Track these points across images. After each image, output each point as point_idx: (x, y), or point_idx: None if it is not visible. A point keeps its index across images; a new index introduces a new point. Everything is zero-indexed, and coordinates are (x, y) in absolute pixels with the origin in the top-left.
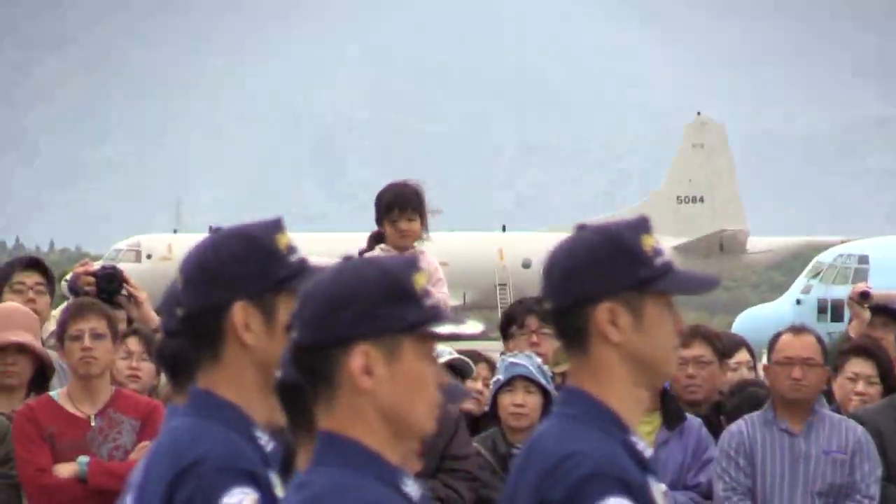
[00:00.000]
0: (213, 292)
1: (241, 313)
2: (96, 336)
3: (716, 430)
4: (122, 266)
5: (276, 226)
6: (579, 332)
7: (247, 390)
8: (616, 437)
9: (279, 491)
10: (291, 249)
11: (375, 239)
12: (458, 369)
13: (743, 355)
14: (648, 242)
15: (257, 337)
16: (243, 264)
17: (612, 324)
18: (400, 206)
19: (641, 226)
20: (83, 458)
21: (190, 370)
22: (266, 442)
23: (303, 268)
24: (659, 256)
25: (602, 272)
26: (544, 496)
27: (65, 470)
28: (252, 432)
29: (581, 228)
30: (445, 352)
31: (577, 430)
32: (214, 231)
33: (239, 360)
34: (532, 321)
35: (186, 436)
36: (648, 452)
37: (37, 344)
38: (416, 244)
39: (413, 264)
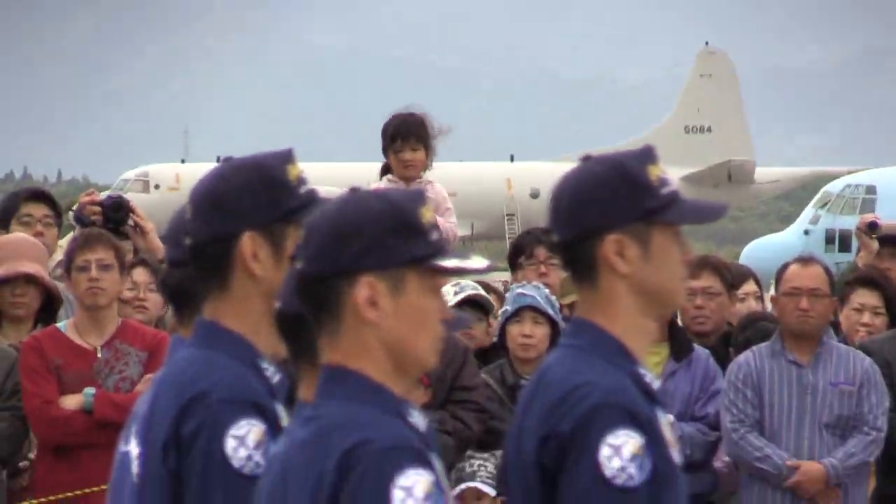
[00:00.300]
0: (222, 222)
1: (249, 243)
2: (103, 267)
3: (724, 362)
4: (129, 196)
5: (286, 156)
6: (587, 263)
7: (253, 321)
8: (624, 368)
9: (285, 422)
10: (301, 180)
11: (384, 170)
12: (479, 304)
13: (750, 286)
14: (654, 172)
15: (265, 267)
16: (253, 194)
17: (620, 255)
18: (403, 135)
19: (647, 156)
20: (89, 390)
21: (195, 301)
22: (272, 373)
23: (312, 199)
24: (665, 186)
25: (608, 203)
26: (552, 427)
27: (70, 401)
28: (258, 363)
29: (586, 159)
30: (469, 286)
31: (585, 362)
32: (224, 161)
33: (246, 290)
34: (540, 252)
35: (192, 367)
36: (656, 384)
37: (45, 275)
38: (422, 174)
39: (420, 198)
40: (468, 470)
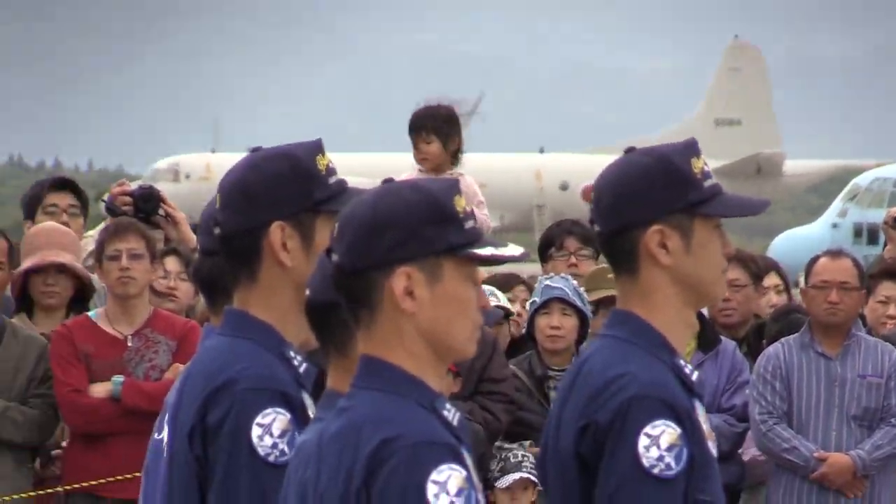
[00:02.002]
0: (251, 212)
1: (278, 233)
2: (134, 256)
3: (756, 355)
4: (160, 186)
5: (316, 147)
6: (629, 254)
7: (282, 311)
8: (664, 359)
9: (312, 412)
10: (331, 171)
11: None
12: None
13: (773, 279)
14: (698, 165)
15: (294, 258)
16: (283, 185)
17: (662, 246)
18: (416, 128)
19: (691, 148)
20: (118, 378)
21: (226, 290)
22: (299, 362)
23: (342, 189)
24: (708, 179)
25: (652, 195)
26: (591, 417)
27: (99, 389)
28: (285, 353)
29: (630, 151)
30: (486, 291)
31: (624, 353)
32: (254, 151)
33: (275, 280)
34: (571, 243)
35: (220, 356)
36: (696, 376)
37: (77, 264)
38: (454, 167)
39: (454, 186)
40: (513, 461)
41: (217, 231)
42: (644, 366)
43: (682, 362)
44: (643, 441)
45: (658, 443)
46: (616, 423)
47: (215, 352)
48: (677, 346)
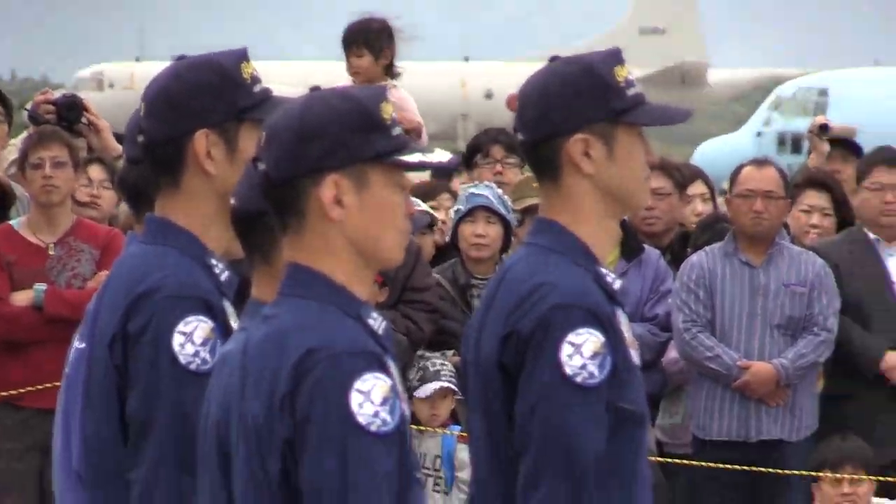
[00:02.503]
0: (175, 120)
1: (203, 141)
2: (57, 164)
3: (680, 264)
4: (84, 95)
5: (240, 55)
6: (552, 163)
7: (205, 219)
8: (587, 268)
9: (233, 320)
10: (255, 79)
11: None
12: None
13: (698, 187)
14: (621, 73)
15: (218, 166)
16: (207, 93)
17: (585, 155)
18: (348, 42)
19: (614, 57)
20: (39, 286)
21: (151, 199)
22: (221, 270)
23: (267, 98)
24: (631, 88)
25: (575, 104)
26: (514, 326)
27: (21, 297)
28: (207, 261)
29: (553, 60)
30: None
31: (547, 261)
32: (178, 59)
33: (199, 188)
34: (497, 151)
35: (141, 263)
36: (618, 284)
37: None
38: (385, 81)
39: (381, 94)
40: (431, 369)
41: (141, 139)
42: (566, 274)
43: (603, 270)
44: (566, 349)
45: (581, 351)
46: (538, 332)
47: (136, 259)
48: (599, 254)
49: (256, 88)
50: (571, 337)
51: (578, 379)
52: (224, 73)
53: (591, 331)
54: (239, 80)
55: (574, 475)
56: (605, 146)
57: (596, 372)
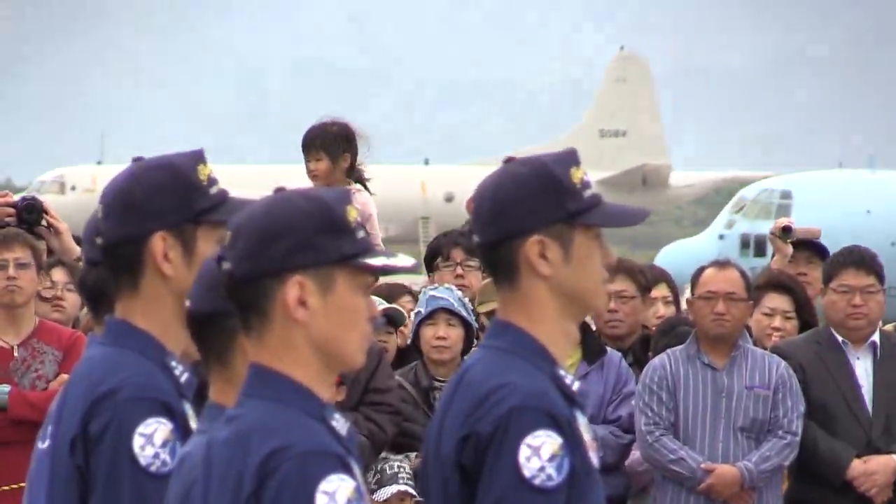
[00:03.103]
0: (132, 222)
1: (160, 244)
2: (21, 265)
3: (642, 366)
4: (46, 198)
5: (197, 157)
6: (508, 265)
7: (164, 321)
8: (545, 370)
9: (193, 422)
10: (212, 181)
11: None
12: (391, 318)
13: (662, 290)
14: (577, 175)
15: (176, 268)
16: (163, 195)
17: (542, 257)
18: (306, 145)
19: (570, 158)
20: (3, 388)
21: (111, 300)
22: (181, 372)
23: (223, 200)
24: (587, 189)
25: (531, 205)
26: (472, 428)
27: None
28: (167, 362)
29: (509, 161)
30: (379, 301)
31: (505, 363)
32: (136, 161)
33: (157, 290)
34: (457, 253)
35: (101, 365)
36: (576, 386)
37: None
38: (350, 182)
39: (346, 196)
40: (389, 472)
41: (99, 241)
42: (524, 376)
43: (562, 372)
44: (524, 451)
45: (539, 453)
46: (497, 434)
47: (97, 361)
48: (558, 356)
49: (213, 190)
50: (529, 439)
51: (537, 482)
52: (180, 174)
53: (549, 433)
54: (195, 182)
55: None
56: (561, 248)
57: (554, 474)
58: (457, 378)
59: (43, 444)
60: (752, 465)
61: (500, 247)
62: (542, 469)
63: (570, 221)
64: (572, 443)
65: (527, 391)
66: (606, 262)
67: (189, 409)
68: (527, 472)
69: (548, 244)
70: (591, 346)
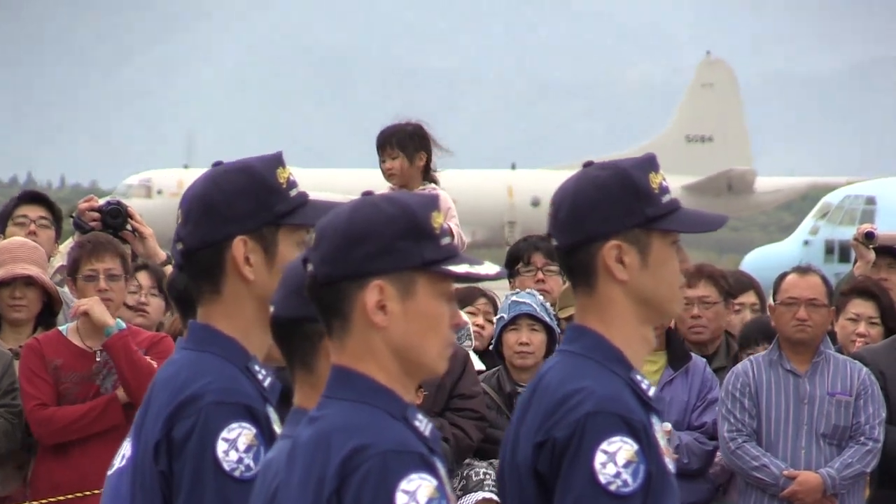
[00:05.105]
0: (213, 227)
1: (241, 248)
2: (111, 277)
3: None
4: (132, 202)
5: (276, 160)
6: (586, 269)
7: (246, 325)
8: (620, 375)
9: (277, 426)
10: (292, 184)
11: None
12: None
13: (749, 297)
14: (656, 180)
15: (257, 271)
16: (243, 199)
17: (619, 261)
18: (381, 144)
19: (649, 163)
20: (120, 322)
21: (195, 304)
22: (264, 376)
23: (304, 202)
24: (666, 194)
25: (609, 210)
26: (548, 433)
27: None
28: (250, 366)
29: (588, 165)
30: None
31: (581, 368)
32: (216, 165)
33: (238, 294)
34: (538, 258)
35: (185, 370)
36: (652, 391)
37: (45, 277)
38: (425, 183)
39: (432, 202)
40: (475, 479)
41: (179, 247)
42: (600, 381)
43: (638, 377)
44: (600, 457)
45: (615, 459)
46: (573, 440)
47: (180, 366)
48: (634, 360)
49: (293, 193)
50: (605, 445)
51: (612, 487)
52: (259, 178)
53: (625, 438)
54: (275, 185)
55: None
56: (638, 253)
57: (630, 480)
58: (533, 383)
59: (121, 463)
60: (834, 471)
61: (577, 251)
62: (617, 475)
63: (648, 227)
64: (648, 449)
65: (602, 396)
66: (683, 268)
67: (273, 414)
68: (602, 479)
69: (625, 249)
70: (677, 353)
